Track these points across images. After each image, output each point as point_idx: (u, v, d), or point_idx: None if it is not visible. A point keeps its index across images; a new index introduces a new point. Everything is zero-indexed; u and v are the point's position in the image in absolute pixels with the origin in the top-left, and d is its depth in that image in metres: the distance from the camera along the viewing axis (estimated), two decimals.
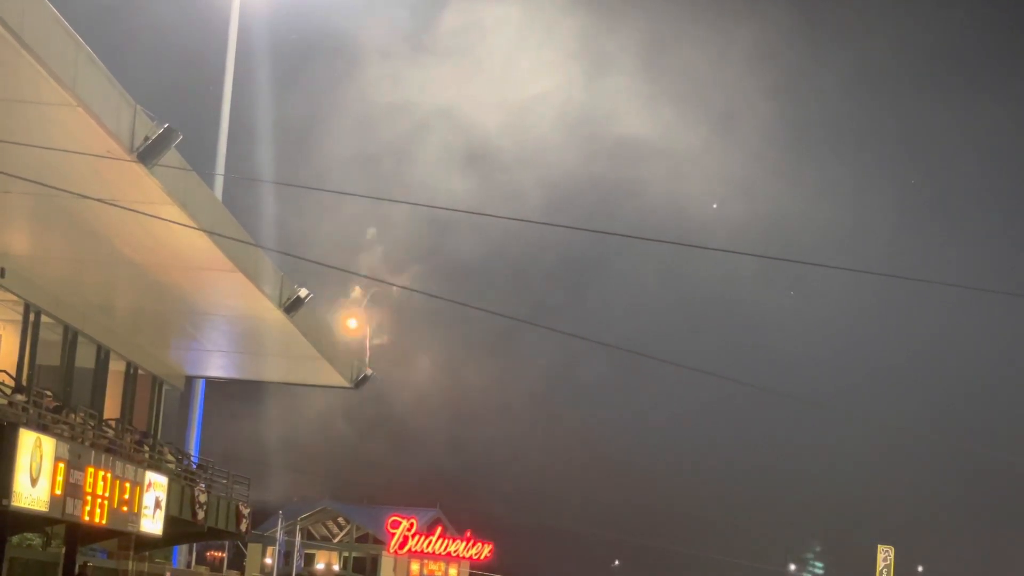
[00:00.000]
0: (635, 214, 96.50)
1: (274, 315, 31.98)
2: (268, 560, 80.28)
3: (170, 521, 31.90)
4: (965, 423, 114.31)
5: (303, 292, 32.07)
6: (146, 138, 21.32)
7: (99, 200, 22.69)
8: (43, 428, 25.51)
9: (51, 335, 31.47)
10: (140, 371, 37.14)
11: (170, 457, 36.12)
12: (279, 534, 76.76)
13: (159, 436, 38.10)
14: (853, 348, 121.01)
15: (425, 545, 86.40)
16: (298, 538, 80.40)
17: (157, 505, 30.48)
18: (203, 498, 34.84)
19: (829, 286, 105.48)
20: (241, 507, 38.72)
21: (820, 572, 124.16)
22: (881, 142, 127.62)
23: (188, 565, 44.91)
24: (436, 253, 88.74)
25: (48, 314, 30.68)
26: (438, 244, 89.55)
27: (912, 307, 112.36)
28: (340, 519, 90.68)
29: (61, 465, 24.87)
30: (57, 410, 28.43)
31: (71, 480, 25.36)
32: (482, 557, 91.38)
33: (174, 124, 21.65)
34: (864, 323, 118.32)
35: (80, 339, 32.71)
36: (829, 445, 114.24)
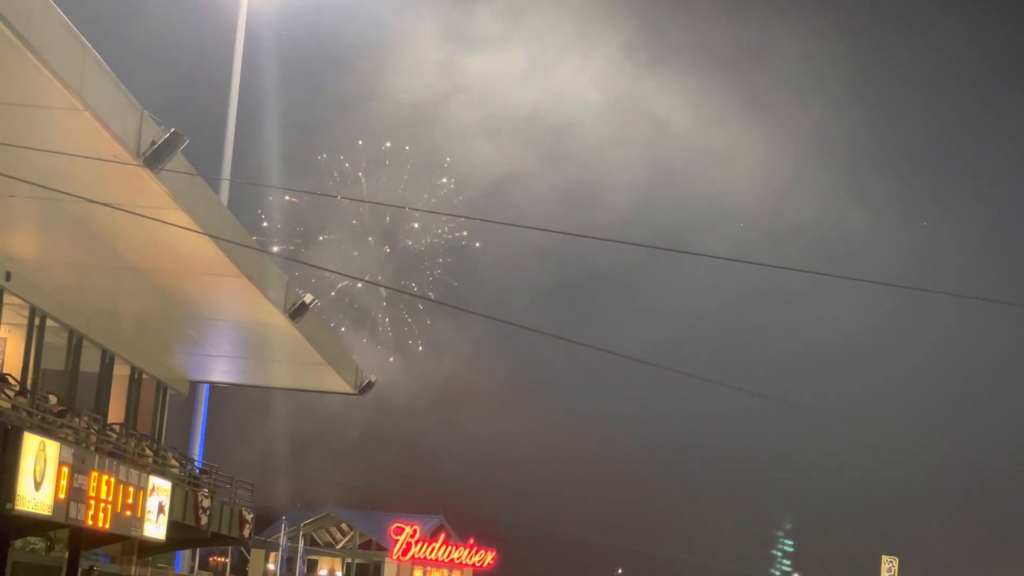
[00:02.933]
0: (666, 216, 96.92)
1: (279, 321, 31.95)
2: (271, 566, 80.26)
3: (173, 526, 31.85)
4: (971, 434, 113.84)
5: (308, 298, 32.03)
6: (152, 143, 21.31)
7: (105, 204, 22.69)
8: (47, 432, 25.48)
9: (56, 339, 31.47)
10: (144, 376, 37.12)
11: (174, 462, 36.08)
12: (282, 540, 76.73)
13: (163, 441, 38.08)
14: (862, 356, 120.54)
15: (428, 552, 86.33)
16: (301, 544, 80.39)
17: (160, 510, 30.44)
18: (206, 503, 34.79)
19: (843, 294, 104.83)
20: (244, 512, 38.67)
21: (790, 550, 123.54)
22: (914, 155, 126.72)
23: (191, 570, 44.87)
24: (454, 251, 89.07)
25: (53, 318, 30.68)
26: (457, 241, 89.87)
27: (921, 316, 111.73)
28: (343, 525, 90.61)
29: (65, 469, 24.84)
30: (61, 414, 28.41)
31: (75, 484, 25.32)
32: (485, 564, 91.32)
33: (181, 129, 21.65)
34: (872, 331, 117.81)
35: (85, 343, 32.71)
36: (836, 454, 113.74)
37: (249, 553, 77.08)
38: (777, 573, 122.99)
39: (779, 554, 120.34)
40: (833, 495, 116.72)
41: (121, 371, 35.50)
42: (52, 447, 24.40)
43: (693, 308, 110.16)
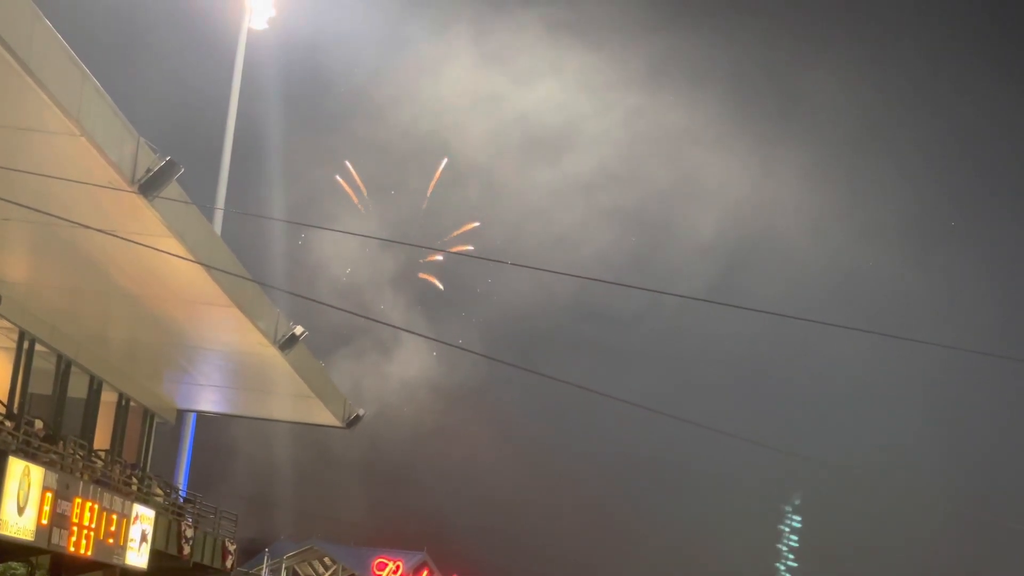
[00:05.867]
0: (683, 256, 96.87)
1: (268, 351, 31.90)
2: None
3: (156, 555, 31.68)
4: (982, 491, 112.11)
5: (298, 329, 32.00)
6: (148, 170, 21.36)
7: (98, 230, 22.69)
8: (32, 457, 25.39)
9: (44, 364, 31.39)
10: (132, 403, 37.01)
11: (158, 490, 35.93)
12: (265, 572, 76.30)
13: (148, 469, 37.92)
14: (874, 411, 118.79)
15: None
16: None
17: (143, 538, 30.29)
18: (189, 533, 34.62)
19: (888, 352, 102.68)
20: (227, 543, 38.48)
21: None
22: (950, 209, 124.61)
23: None
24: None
25: (42, 342, 30.61)
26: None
27: (937, 374, 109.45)
28: (326, 559, 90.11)
29: (49, 495, 24.74)
30: (47, 439, 28.31)
31: (58, 510, 25.22)
32: None
33: (176, 157, 21.71)
34: (883, 387, 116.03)
35: (73, 369, 32.61)
36: (845, 508, 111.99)
37: None
38: None
39: None
40: (839, 547, 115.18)
41: (108, 397, 35.39)
42: (37, 472, 24.31)
43: (713, 354, 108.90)
